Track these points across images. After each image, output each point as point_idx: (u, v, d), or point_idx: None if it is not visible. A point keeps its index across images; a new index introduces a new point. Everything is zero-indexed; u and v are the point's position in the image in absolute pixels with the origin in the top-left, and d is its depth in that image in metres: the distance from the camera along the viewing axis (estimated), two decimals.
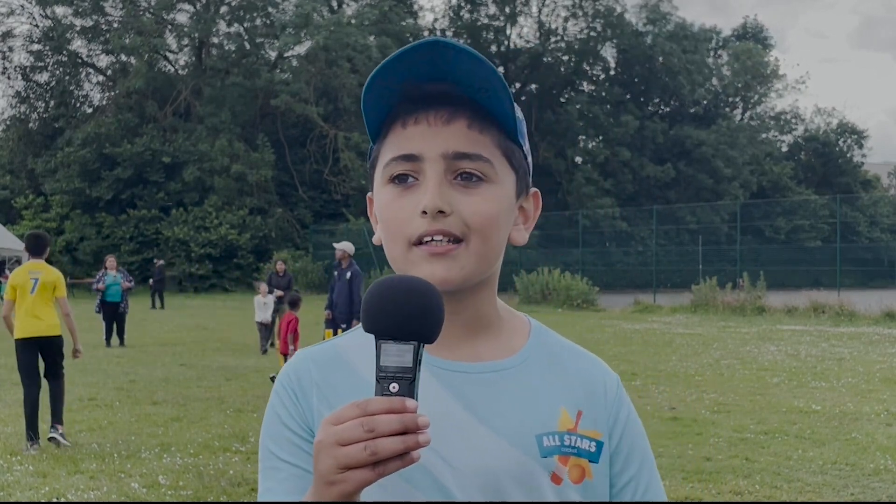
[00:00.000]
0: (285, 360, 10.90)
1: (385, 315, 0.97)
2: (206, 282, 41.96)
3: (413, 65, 1.09)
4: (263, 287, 16.39)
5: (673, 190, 53.18)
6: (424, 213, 1.11)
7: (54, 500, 6.15)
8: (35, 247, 8.25)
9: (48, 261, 8.31)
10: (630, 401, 1.27)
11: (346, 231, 42.43)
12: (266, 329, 15.91)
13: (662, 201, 48.86)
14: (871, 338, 18.10)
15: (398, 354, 0.96)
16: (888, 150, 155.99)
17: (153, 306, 29.78)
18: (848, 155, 62.34)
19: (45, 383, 8.04)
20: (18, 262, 37.51)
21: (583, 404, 1.20)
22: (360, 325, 1.21)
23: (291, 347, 11.20)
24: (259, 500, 1.15)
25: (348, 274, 11.59)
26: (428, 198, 1.10)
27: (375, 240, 1.23)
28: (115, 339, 17.06)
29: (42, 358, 8.07)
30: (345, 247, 11.99)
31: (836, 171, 60.55)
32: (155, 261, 33.66)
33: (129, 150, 43.47)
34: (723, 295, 25.42)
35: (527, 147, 1.22)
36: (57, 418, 7.95)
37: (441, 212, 1.10)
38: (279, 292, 16.01)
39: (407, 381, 0.95)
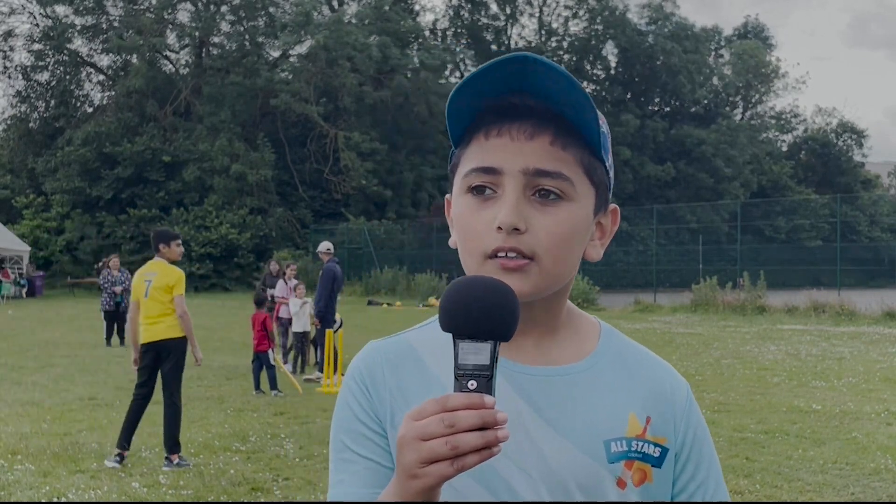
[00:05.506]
0: (256, 358, 10.94)
1: (462, 314, 0.99)
2: (206, 281, 41.92)
3: (500, 77, 1.10)
4: (301, 289, 13.37)
5: (673, 189, 53.16)
6: (500, 228, 1.11)
7: (55, 499, 6.15)
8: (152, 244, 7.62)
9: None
10: (698, 408, 1.27)
11: (346, 230, 42.40)
12: (306, 342, 13.39)
13: (663, 200, 48.83)
14: (871, 337, 18.09)
15: (475, 353, 0.98)
16: (887, 149, 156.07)
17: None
18: (848, 154, 62.32)
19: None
20: (18, 261, 37.54)
21: (652, 410, 1.21)
22: (433, 319, 1.22)
23: (271, 352, 11.13)
24: (330, 489, 1.18)
25: (321, 271, 12.74)
26: (504, 214, 1.11)
27: (452, 243, 1.23)
28: (115, 339, 17.06)
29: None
30: (320, 247, 13.30)
31: (836, 171, 60.55)
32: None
33: (129, 149, 43.48)
34: (723, 294, 25.40)
35: (610, 162, 1.21)
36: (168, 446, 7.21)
37: (516, 229, 1.11)
38: (271, 291, 15.96)
39: (485, 379, 0.97)
